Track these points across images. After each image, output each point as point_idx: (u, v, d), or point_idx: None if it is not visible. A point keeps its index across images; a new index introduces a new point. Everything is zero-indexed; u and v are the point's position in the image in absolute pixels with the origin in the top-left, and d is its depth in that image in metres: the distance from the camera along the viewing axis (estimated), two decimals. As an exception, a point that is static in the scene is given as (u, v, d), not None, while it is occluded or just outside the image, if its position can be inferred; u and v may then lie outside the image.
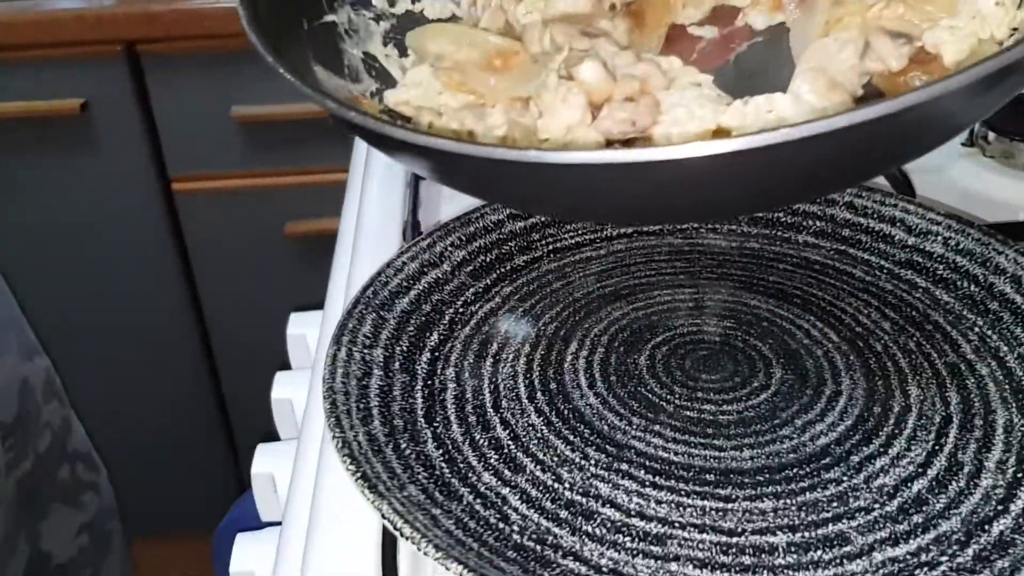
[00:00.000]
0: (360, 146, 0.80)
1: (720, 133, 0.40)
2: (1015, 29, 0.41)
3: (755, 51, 0.49)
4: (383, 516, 0.38)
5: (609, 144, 0.41)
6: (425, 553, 0.37)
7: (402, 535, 0.38)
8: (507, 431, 0.45)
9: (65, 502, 0.99)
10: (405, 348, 0.50)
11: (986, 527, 0.39)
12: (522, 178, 0.34)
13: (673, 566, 0.38)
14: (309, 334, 0.67)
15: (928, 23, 0.43)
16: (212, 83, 1.26)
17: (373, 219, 0.66)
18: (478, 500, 0.41)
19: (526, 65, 0.44)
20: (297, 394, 0.61)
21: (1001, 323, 0.50)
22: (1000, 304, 0.51)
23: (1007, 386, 0.46)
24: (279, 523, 0.52)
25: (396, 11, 0.53)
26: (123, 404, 1.45)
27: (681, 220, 0.56)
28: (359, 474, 0.40)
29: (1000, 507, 0.40)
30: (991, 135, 0.70)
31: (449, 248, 0.56)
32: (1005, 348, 0.48)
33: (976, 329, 0.50)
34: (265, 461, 0.56)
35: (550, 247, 0.58)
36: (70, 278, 1.37)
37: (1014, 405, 0.45)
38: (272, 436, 0.61)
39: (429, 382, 0.48)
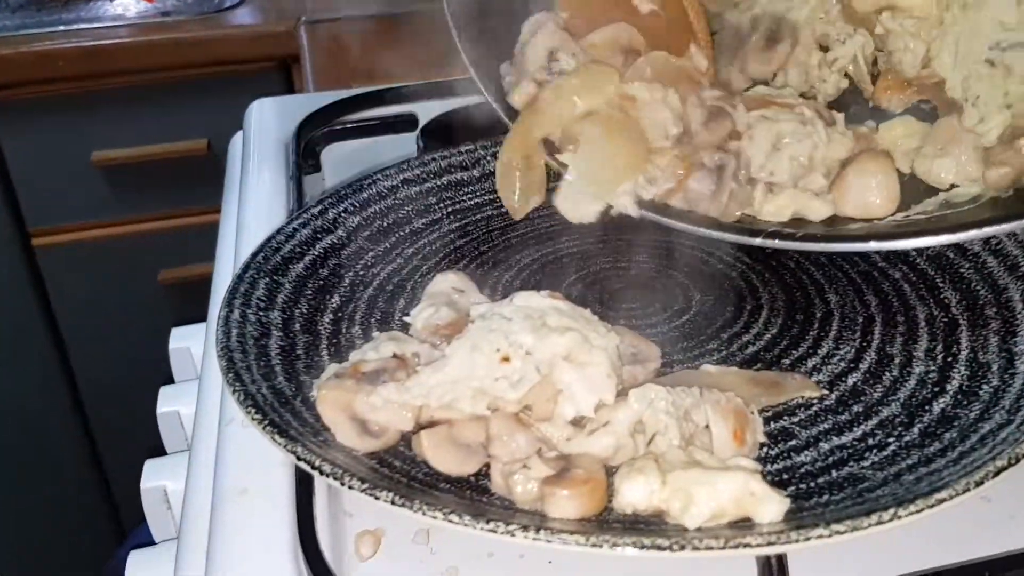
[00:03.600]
0: (232, 185, 0.74)
1: None
2: None
3: None
4: (298, 458, 0.34)
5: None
6: (349, 487, 0.33)
7: (321, 472, 0.34)
8: (425, 376, 0.42)
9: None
10: (305, 311, 0.46)
11: (926, 407, 0.38)
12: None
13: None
14: (193, 346, 0.63)
15: None
16: (69, 128, 1.19)
17: (258, 208, 0.62)
18: (401, 442, 0.38)
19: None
20: (184, 407, 0.56)
21: (905, 235, 0.50)
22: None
23: (921, 285, 0.46)
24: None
25: None
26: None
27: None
28: (266, 422, 0.36)
29: (936, 389, 0.39)
30: None
31: (343, 214, 0.53)
32: (915, 253, 0.49)
33: (882, 242, 0.50)
34: (155, 475, 0.51)
35: (449, 209, 0.55)
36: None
37: (931, 300, 0.45)
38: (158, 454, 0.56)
39: (335, 341, 0.45)
